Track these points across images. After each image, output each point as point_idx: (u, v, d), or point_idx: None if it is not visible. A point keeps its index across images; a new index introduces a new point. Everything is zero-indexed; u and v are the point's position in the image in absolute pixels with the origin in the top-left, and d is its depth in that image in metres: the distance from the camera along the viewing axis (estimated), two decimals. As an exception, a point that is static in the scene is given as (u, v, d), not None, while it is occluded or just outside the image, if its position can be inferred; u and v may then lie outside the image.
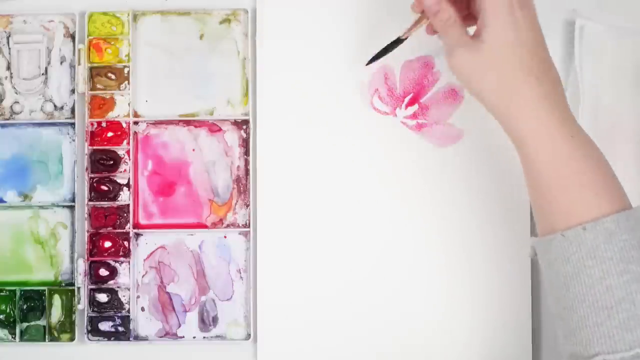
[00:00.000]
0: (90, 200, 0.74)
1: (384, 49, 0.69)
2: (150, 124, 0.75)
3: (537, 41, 0.59)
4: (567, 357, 0.57)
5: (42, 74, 0.75)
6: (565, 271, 0.56)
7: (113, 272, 0.74)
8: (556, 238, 0.56)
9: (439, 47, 0.73)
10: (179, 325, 0.74)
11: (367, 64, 0.70)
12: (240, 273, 0.74)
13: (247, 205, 0.74)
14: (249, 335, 0.73)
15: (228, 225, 0.74)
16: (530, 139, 0.58)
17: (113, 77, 0.75)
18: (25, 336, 0.74)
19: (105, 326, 0.74)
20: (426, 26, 0.66)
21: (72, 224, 0.75)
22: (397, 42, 0.68)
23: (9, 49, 0.75)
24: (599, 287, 0.55)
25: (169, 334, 0.74)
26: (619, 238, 0.55)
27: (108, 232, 0.74)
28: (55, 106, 0.75)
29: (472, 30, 0.62)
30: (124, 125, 0.74)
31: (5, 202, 0.75)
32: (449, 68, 0.61)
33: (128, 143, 0.74)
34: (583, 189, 0.57)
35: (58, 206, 0.75)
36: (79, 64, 0.74)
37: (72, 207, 0.74)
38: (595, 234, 0.55)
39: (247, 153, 0.74)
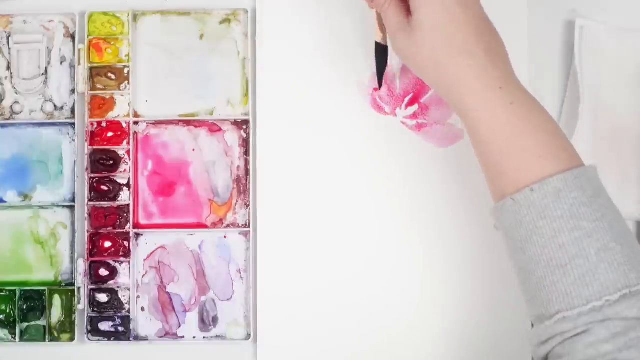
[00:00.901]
0: (90, 200, 0.74)
1: (377, 61, 0.70)
2: (150, 124, 0.75)
3: (469, 17, 0.60)
4: (534, 321, 0.57)
5: (42, 74, 0.75)
6: (520, 235, 0.56)
7: (113, 272, 0.74)
8: (507, 203, 0.57)
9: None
10: (179, 325, 0.74)
11: (380, 87, 0.72)
12: (240, 273, 0.74)
13: (247, 205, 0.74)
14: (249, 335, 0.73)
15: (228, 225, 0.74)
16: (469, 112, 0.59)
17: (113, 77, 0.75)
18: (25, 336, 0.74)
19: (105, 326, 0.74)
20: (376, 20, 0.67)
21: (72, 224, 0.75)
22: (381, 48, 0.69)
23: (9, 49, 0.75)
24: (552, 246, 0.55)
25: (169, 334, 0.74)
26: (568, 196, 0.55)
27: (108, 232, 0.74)
28: (55, 106, 0.75)
29: None
30: (124, 125, 0.74)
31: (5, 202, 0.75)
32: (394, 51, 0.63)
33: (128, 143, 0.74)
34: (526, 152, 0.57)
35: (58, 206, 0.75)
36: (79, 64, 0.74)
37: (72, 207, 0.75)
38: (544, 194, 0.55)
39: (247, 153, 0.74)
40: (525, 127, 0.57)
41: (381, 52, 0.70)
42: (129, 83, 0.75)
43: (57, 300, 0.74)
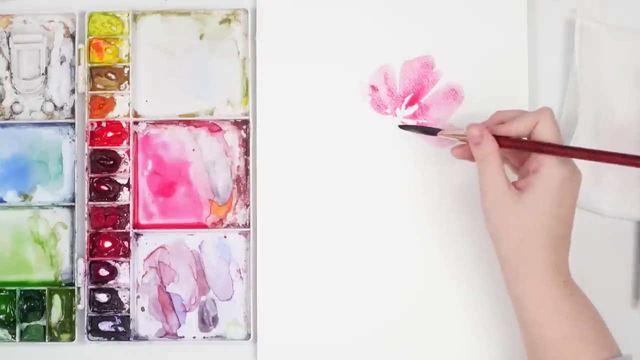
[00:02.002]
0: (90, 200, 0.74)
1: (415, 127, 0.72)
2: (150, 124, 0.75)
3: (571, 211, 0.62)
4: None
5: (42, 74, 0.75)
6: None
7: (113, 272, 0.74)
8: None
9: (438, 46, 0.74)
10: (179, 325, 0.74)
11: (400, 127, 0.73)
12: (240, 273, 0.74)
13: (247, 205, 0.74)
14: (249, 335, 0.73)
15: (228, 225, 0.74)
16: (530, 299, 0.61)
17: (113, 77, 0.75)
18: (25, 336, 0.74)
19: (105, 326, 0.74)
20: (455, 149, 0.67)
21: (72, 224, 0.75)
22: (430, 131, 0.70)
23: (9, 49, 0.75)
24: None
25: (169, 334, 0.74)
26: None
27: (108, 232, 0.74)
28: (55, 106, 0.75)
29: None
30: (124, 125, 0.74)
31: (5, 202, 0.75)
32: (481, 206, 0.62)
33: (128, 143, 0.74)
34: (583, 340, 0.60)
35: (58, 206, 0.75)
36: (79, 64, 0.74)
37: (72, 207, 0.74)
38: None
39: (247, 153, 0.74)
40: (581, 317, 0.60)
41: (427, 131, 0.70)
42: (129, 83, 0.75)
43: (57, 300, 0.74)
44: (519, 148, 0.63)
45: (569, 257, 0.62)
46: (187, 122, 0.75)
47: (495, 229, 0.62)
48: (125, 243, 0.74)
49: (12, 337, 0.74)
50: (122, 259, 0.74)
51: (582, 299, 0.61)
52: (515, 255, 0.61)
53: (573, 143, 0.71)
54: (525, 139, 0.62)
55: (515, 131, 0.62)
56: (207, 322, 0.74)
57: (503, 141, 0.62)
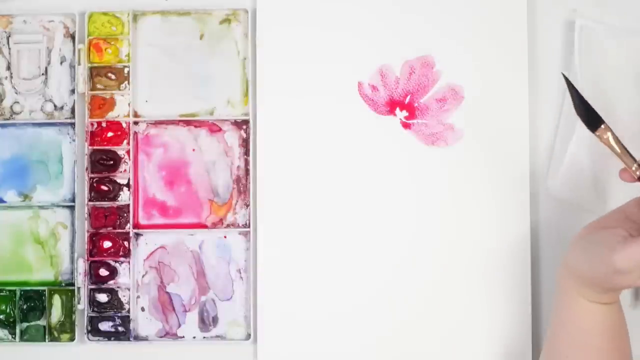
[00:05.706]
0: (90, 200, 0.74)
1: (576, 92, 0.64)
2: (150, 124, 0.75)
3: None
4: None
5: (42, 74, 0.75)
6: None
7: (113, 272, 0.74)
8: None
9: (438, 46, 0.74)
10: (179, 325, 0.74)
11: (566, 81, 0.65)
12: (240, 273, 0.74)
13: (247, 205, 0.74)
14: (249, 335, 0.73)
15: (228, 225, 0.74)
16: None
17: (113, 77, 0.75)
18: (25, 336, 0.74)
19: (105, 326, 0.74)
20: (624, 173, 0.62)
21: (72, 224, 0.75)
22: (591, 122, 0.62)
23: (9, 49, 0.75)
24: None
25: (169, 334, 0.74)
26: None
27: (108, 232, 0.74)
28: (55, 106, 0.75)
29: None
30: (124, 125, 0.74)
31: (5, 202, 0.75)
32: (611, 260, 0.58)
33: (128, 143, 0.74)
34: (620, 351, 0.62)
35: (58, 206, 0.75)
36: (79, 64, 0.74)
37: (72, 207, 0.74)
38: None
39: (247, 153, 0.74)
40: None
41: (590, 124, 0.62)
42: (129, 83, 0.75)
43: (57, 300, 0.74)
44: None
45: None
46: (187, 122, 0.75)
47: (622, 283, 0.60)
48: (125, 243, 0.74)
49: (12, 337, 0.74)
50: (122, 259, 0.74)
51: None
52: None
53: (574, 143, 0.71)
54: None
55: None
56: (207, 322, 0.74)
57: None
